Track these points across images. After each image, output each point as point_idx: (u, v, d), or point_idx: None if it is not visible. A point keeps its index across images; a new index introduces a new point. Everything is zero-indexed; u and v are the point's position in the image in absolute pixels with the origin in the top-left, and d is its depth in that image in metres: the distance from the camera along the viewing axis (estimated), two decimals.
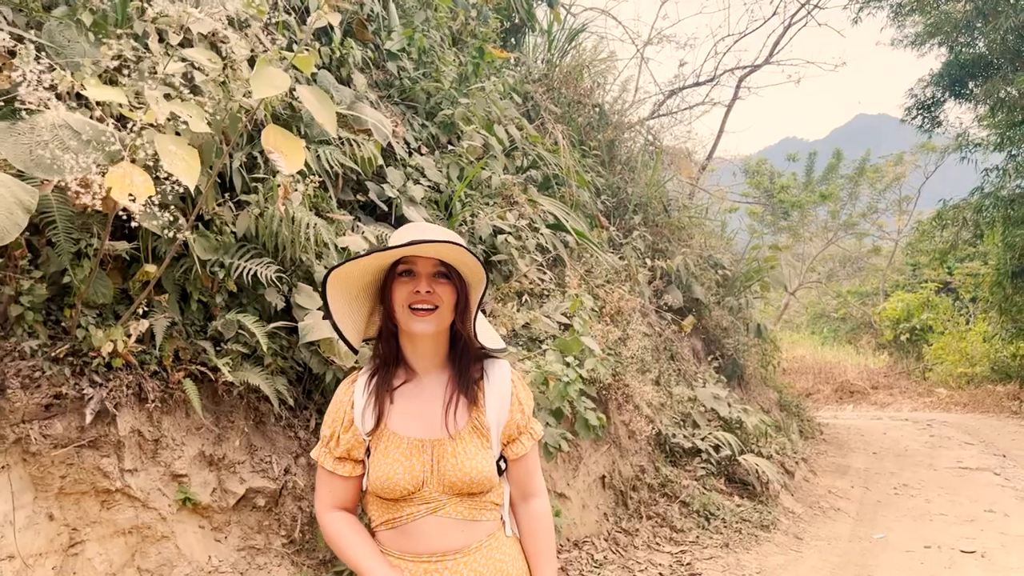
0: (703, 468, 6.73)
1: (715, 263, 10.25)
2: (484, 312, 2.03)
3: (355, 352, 1.99)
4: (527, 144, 6.04)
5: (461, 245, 1.72)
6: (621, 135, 9.41)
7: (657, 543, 5.52)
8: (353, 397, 1.89)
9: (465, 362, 1.91)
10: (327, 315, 1.86)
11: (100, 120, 2.31)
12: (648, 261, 7.63)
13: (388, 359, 1.90)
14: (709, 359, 9.07)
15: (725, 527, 6.03)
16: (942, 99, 17.05)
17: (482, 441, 1.87)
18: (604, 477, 5.66)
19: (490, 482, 1.85)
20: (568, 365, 3.89)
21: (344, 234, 3.51)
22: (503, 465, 1.93)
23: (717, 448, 6.91)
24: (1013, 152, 15.46)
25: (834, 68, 17.40)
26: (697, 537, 5.74)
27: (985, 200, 15.98)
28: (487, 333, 1.97)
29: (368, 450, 1.86)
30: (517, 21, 8.00)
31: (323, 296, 1.84)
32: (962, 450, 10.83)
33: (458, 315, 1.86)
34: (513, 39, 8.09)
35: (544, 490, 2.06)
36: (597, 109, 8.74)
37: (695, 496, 6.23)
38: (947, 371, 18.87)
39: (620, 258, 6.95)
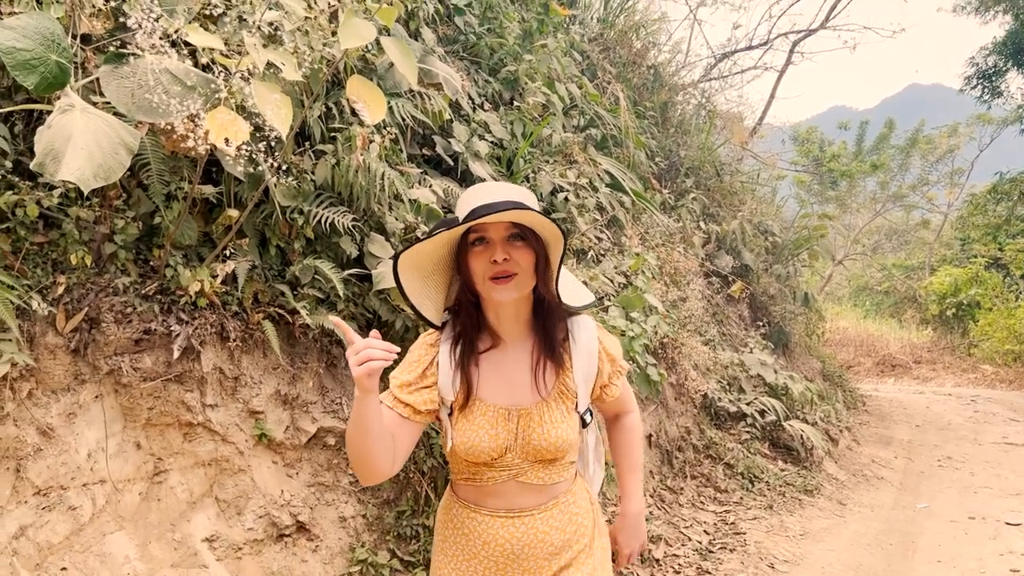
0: (748, 432, 6.79)
1: (765, 229, 10.18)
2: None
3: (437, 329, 1.88)
4: (586, 103, 6.04)
5: (526, 207, 1.63)
6: (674, 97, 9.32)
7: (702, 502, 5.60)
8: (438, 358, 1.83)
9: (550, 324, 1.85)
10: (403, 297, 1.79)
11: (205, 68, 2.39)
12: (702, 224, 7.62)
13: (469, 328, 1.84)
14: (756, 325, 9.06)
15: (769, 490, 6.10)
16: (1004, 68, 16.59)
17: (567, 405, 1.83)
18: (651, 436, 5.74)
19: (572, 447, 1.84)
20: (632, 321, 3.95)
21: (413, 187, 3.59)
22: (588, 418, 1.92)
23: (762, 413, 6.95)
24: None
25: (892, 34, 16.91)
26: (741, 498, 5.81)
27: None
28: (574, 289, 1.90)
29: (451, 412, 1.81)
30: None
31: (396, 280, 1.76)
32: (1008, 426, 10.72)
33: (539, 277, 1.76)
34: None
35: (635, 404, 2.11)
36: (652, 70, 8.66)
37: (739, 459, 6.29)
38: (993, 348, 18.53)
39: (675, 220, 6.96)
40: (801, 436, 7.00)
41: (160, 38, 2.12)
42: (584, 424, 1.91)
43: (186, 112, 2.23)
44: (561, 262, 1.75)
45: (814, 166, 24.38)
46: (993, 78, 16.94)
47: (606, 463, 2.29)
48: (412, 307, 1.81)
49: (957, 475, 7.71)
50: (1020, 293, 20.30)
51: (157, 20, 2.16)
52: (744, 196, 9.98)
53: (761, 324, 9.18)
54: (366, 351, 1.46)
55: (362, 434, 1.59)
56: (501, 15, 5.08)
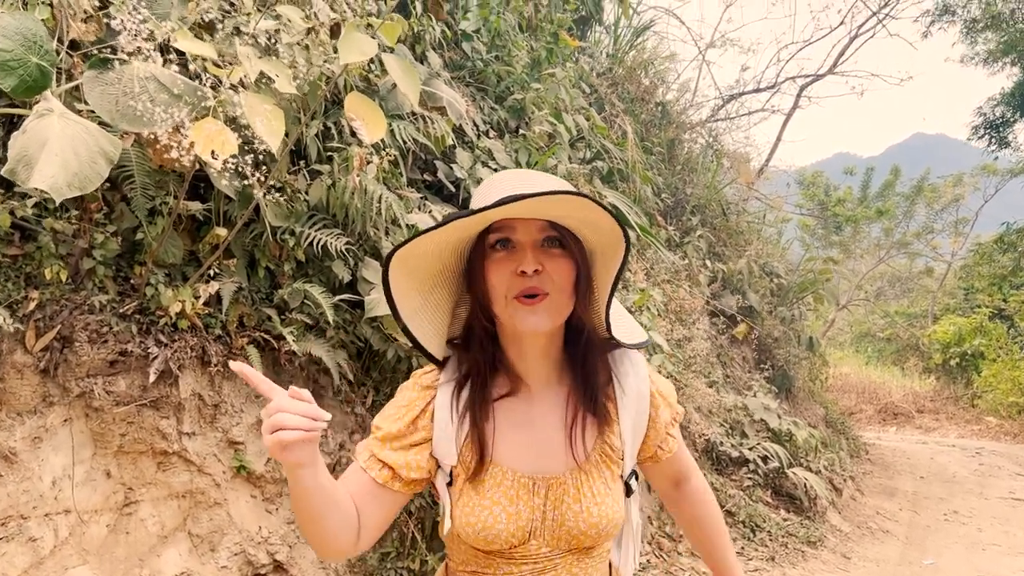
0: (750, 479, 6.59)
1: (770, 271, 10.06)
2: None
3: (439, 365, 1.41)
4: (593, 135, 5.95)
5: (580, 194, 1.15)
6: (681, 135, 9.27)
7: None
8: (434, 406, 1.36)
9: (591, 364, 1.38)
10: (395, 317, 1.31)
11: (193, 76, 2.27)
12: (708, 262, 7.52)
13: (482, 366, 1.37)
14: (760, 368, 8.90)
15: (771, 540, 5.88)
16: (1012, 119, 16.61)
17: (612, 471, 1.38)
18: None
19: (617, 528, 1.38)
20: None
21: (411, 212, 3.45)
22: (634, 485, 1.45)
23: (765, 459, 6.76)
24: None
25: (900, 82, 16.96)
26: (742, 548, 5.60)
27: None
28: (624, 323, 1.43)
29: (451, 481, 1.36)
30: (584, 14, 7.93)
31: (387, 290, 1.29)
32: (1014, 481, 10.47)
33: (579, 298, 1.31)
34: (579, 31, 8.01)
35: (696, 466, 1.65)
36: (660, 107, 8.61)
37: (741, 507, 6.09)
38: (998, 400, 18.28)
39: (681, 257, 6.84)
40: (804, 485, 6.80)
41: (145, 40, 2.00)
42: (628, 492, 1.44)
43: (171, 121, 2.10)
44: (619, 278, 1.30)
45: (819, 210, 24.38)
46: (1000, 129, 16.98)
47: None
48: (406, 331, 1.34)
49: (964, 530, 7.48)
50: None
51: (144, 22, 2.04)
52: (750, 236, 9.90)
53: (765, 367, 9.01)
54: (277, 416, 1.06)
55: (300, 515, 1.20)
56: (510, 43, 5.00)
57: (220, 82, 2.23)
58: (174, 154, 2.15)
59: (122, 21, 1.96)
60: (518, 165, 4.46)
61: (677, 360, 4.82)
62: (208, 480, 2.89)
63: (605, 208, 1.18)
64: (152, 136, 2.20)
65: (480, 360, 1.36)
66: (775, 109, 15.44)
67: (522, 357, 1.37)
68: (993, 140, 17.19)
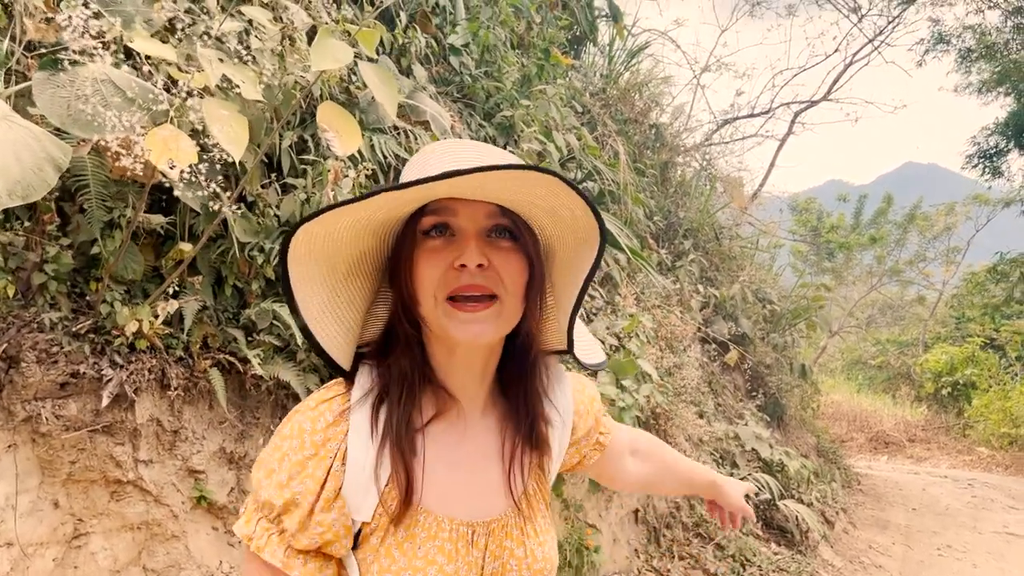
0: None
1: (763, 297, 9.93)
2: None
3: (347, 378, 1.10)
4: (584, 155, 5.82)
5: (550, 172, 0.90)
6: (675, 158, 9.18)
7: None
8: (346, 444, 1.03)
9: (532, 385, 1.15)
10: (293, 311, 1.10)
11: (148, 77, 2.12)
12: (700, 288, 7.39)
13: (410, 377, 1.08)
14: (751, 396, 8.74)
15: (761, 575, 5.70)
16: (1006, 149, 16.68)
17: (546, 501, 1.20)
18: (637, 511, 5.37)
19: (556, 569, 1.17)
20: (623, 389, 3.63)
21: None
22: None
23: (756, 491, 6.58)
24: None
25: (893, 110, 16.99)
26: None
27: None
28: (585, 342, 1.21)
29: (356, 543, 1.05)
30: (578, 33, 7.84)
31: (284, 275, 1.00)
32: (1007, 514, 10.31)
33: (530, 304, 1.06)
34: (573, 51, 7.92)
35: (634, 428, 1.54)
36: (653, 129, 8.52)
37: (731, 539, 5.91)
38: (989, 430, 18.18)
39: (673, 281, 6.71)
40: (796, 517, 6.62)
41: (94, 37, 1.84)
42: None
43: (124, 127, 1.94)
44: (589, 281, 1.05)
45: (812, 236, 24.39)
46: (994, 158, 17.05)
47: None
48: (305, 331, 1.05)
49: (959, 566, 7.31)
50: (1016, 375, 20.04)
51: (94, 17, 1.88)
52: (743, 262, 9.79)
53: (757, 395, 8.85)
54: None
55: None
56: (499, 59, 4.88)
57: (175, 83, 2.07)
58: (125, 162, 1.99)
59: (69, 17, 1.81)
60: None
61: (666, 390, 4.67)
62: (165, 511, 2.71)
63: (579, 192, 0.93)
64: (102, 142, 2.04)
65: (408, 369, 1.07)
66: (769, 134, 15.45)
67: (450, 370, 1.10)
68: (987, 169, 17.26)
